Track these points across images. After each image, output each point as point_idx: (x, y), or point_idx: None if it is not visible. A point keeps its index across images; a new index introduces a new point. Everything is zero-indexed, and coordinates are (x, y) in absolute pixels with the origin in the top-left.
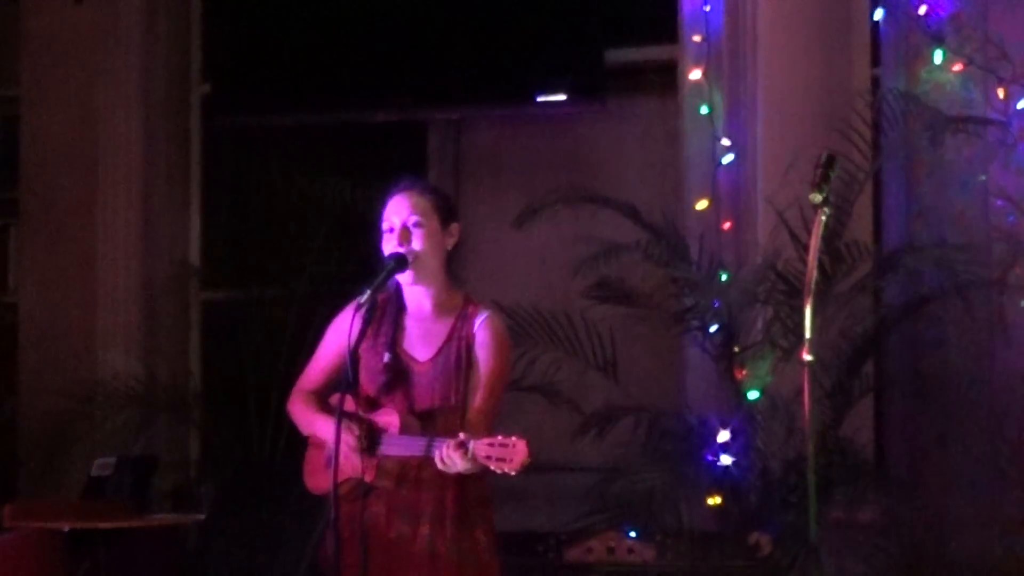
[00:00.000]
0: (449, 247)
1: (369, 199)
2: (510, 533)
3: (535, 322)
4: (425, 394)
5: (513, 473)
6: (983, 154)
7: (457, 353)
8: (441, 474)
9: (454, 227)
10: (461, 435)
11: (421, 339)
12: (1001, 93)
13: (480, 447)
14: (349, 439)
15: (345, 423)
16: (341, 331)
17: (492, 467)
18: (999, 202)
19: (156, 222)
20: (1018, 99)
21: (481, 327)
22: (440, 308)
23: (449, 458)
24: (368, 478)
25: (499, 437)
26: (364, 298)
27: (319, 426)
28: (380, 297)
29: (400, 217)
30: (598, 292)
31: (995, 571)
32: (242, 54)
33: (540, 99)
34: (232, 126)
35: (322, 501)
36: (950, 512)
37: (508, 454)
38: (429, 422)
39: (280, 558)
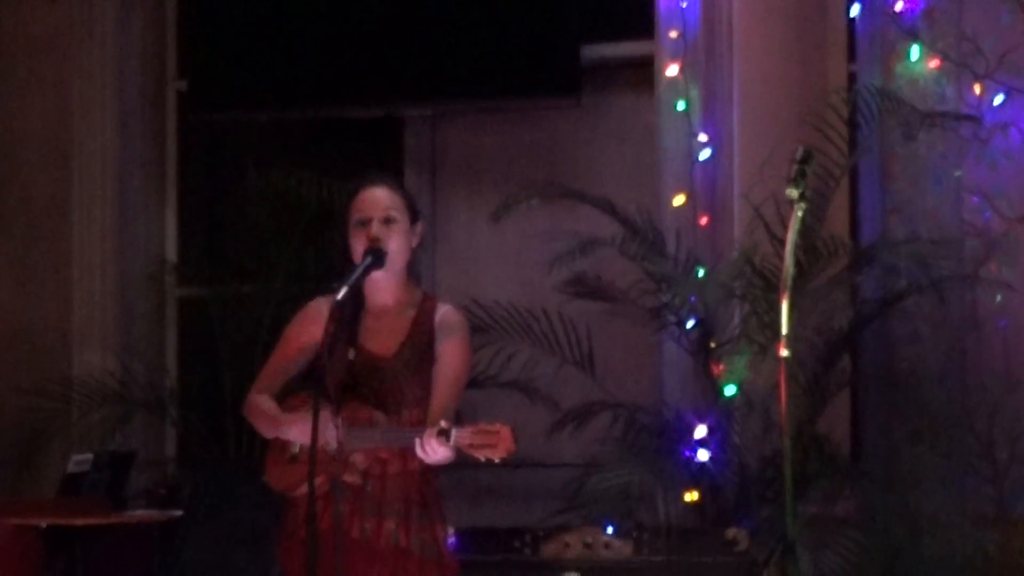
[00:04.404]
0: (414, 246)
1: (345, 196)
2: (487, 529)
3: (512, 318)
4: (390, 389)
5: (497, 459)
6: (957, 150)
7: (421, 347)
8: (406, 469)
9: (419, 226)
10: (442, 423)
11: (383, 334)
12: (977, 89)
13: (463, 435)
14: (324, 437)
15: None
16: (306, 329)
17: (476, 454)
18: (974, 198)
19: (131, 218)
20: (993, 94)
21: (442, 321)
22: (400, 304)
23: (431, 447)
24: (345, 476)
25: (482, 424)
26: (342, 294)
27: (287, 427)
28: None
29: (375, 212)
30: (574, 288)
31: (966, 566)
32: (217, 50)
33: (516, 95)
34: (208, 122)
35: (282, 499)
36: (924, 507)
37: (493, 440)
38: (395, 416)
39: (257, 554)
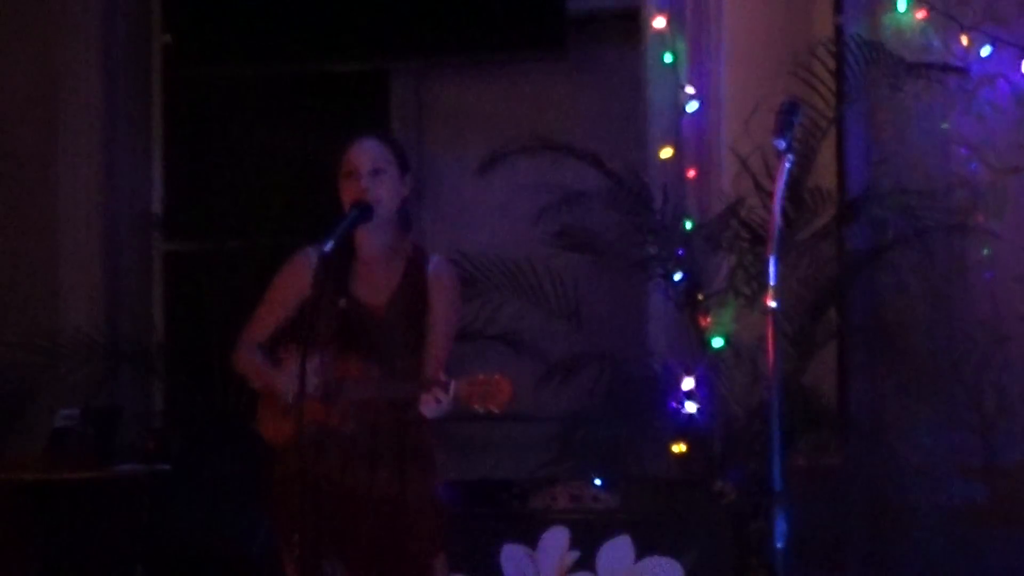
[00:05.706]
0: (404, 196)
1: (332, 150)
2: (474, 482)
3: (499, 271)
4: (383, 339)
5: (497, 410)
6: (944, 101)
7: (412, 297)
8: (399, 419)
9: (408, 177)
10: (441, 375)
11: (373, 284)
12: (964, 40)
13: (463, 386)
14: (312, 386)
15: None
16: (294, 279)
17: (476, 405)
18: (961, 150)
19: (117, 173)
20: (980, 45)
21: (435, 272)
22: (391, 253)
23: (431, 399)
24: (337, 423)
25: (480, 376)
26: (329, 246)
27: (277, 377)
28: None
29: (363, 163)
30: (561, 240)
31: (954, 517)
32: (203, 4)
33: (502, 48)
34: (193, 77)
35: (272, 450)
36: (911, 459)
37: (492, 392)
38: (388, 366)
39: (245, 508)
